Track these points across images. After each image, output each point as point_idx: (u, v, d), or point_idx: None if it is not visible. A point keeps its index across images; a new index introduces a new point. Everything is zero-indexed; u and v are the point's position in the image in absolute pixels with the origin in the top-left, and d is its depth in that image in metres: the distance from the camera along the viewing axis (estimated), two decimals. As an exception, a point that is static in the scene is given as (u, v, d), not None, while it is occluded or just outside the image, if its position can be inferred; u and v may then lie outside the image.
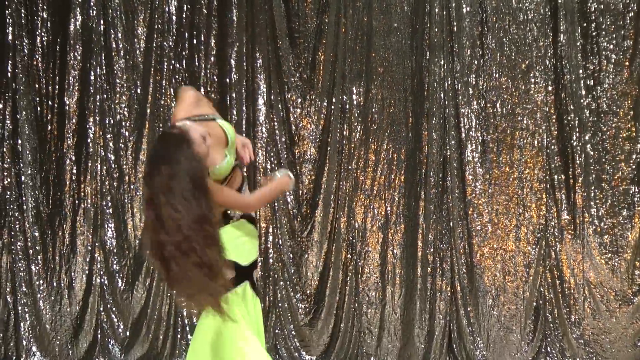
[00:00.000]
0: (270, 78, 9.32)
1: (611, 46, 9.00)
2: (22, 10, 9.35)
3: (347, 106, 9.25)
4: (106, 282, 9.20)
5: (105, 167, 9.27)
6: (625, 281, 8.94)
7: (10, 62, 9.26)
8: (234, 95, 9.28)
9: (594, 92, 9.03)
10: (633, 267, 8.93)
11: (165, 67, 9.33)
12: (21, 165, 9.23)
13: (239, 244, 5.31)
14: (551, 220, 9.06)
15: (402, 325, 9.04)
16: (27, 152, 9.23)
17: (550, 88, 9.07)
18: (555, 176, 9.04)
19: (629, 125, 9.00)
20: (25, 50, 9.33)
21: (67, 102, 9.28)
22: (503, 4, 9.14)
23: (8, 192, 9.18)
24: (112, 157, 9.28)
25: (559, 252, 9.02)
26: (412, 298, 9.03)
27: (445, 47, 9.16)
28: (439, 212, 9.10)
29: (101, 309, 9.20)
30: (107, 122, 9.29)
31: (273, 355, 9.04)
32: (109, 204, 9.25)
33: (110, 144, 9.30)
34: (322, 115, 9.28)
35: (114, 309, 9.20)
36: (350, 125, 9.24)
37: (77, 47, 9.31)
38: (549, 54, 9.05)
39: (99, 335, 9.18)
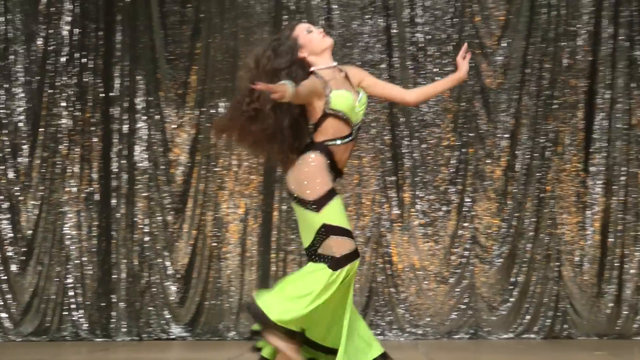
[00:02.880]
0: (149, 94, 10.56)
1: (436, 69, 10.36)
2: None
3: (215, 118, 10.34)
4: (1, 267, 10.40)
5: (3, 168, 10.51)
6: (443, 265, 10.22)
7: None
8: (117, 108, 10.54)
9: (421, 108, 10.29)
10: (449, 253, 10.22)
11: (58, 82, 10.52)
12: None
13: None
14: (383, 214, 10.28)
15: (257, 302, 10.27)
16: None
17: (386, 103, 10.28)
18: (387, 177, 10.30)
19: (449, 136, 10.32)
20: None
21: (-28, 111, 10.54)
22: (348, 32, 10.42)
23: None
24: (10, 159, 10.49)
25: (390, 241, 10.24)
26: (267, 280, 10.15)
27: (300, 69, 10.51)
28: (291, 207, 10.33)
29: (-3, 290, 10.42)
30: (6, 128, 10.53)
31: (146, 328, 10.30)
32: (5, 200, 10.51)
33: (8, 148, 10.50)
34: (194, 126, 10.53)
35: (7, 290, 10.38)
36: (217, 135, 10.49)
37: (-19, 64, 10.55)
38: (385, 75, 10.28)
39: (-5, 313, 10.37)
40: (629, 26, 10.40)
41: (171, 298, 10.38)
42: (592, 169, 10.36)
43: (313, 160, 5.11)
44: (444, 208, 10.38)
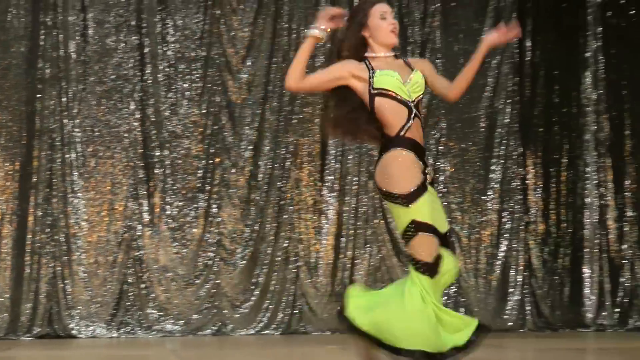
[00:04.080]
0: None
1: (186, 85, 11.03)
2: None
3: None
4: None
5: None
6: (191, 267, 10.88)
7: None
8: None
9: (171, 120, 10.98)
10: (197, 256, 10.87)
11: None
12: None
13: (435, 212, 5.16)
14: (135, 220, 10.83)
15: (11, 301, 10.45)
16: None
17: (138, 115, 10.87)
18: (139, 185, 10.86)
19: (199, 147, 11.00)
20: None
21: None
22: (103, 48, 10.93)
23: None
24: None
25: (141, 245, 10.78)
26: (20, 281, 10.50)
27: (56, 82, 10.81)
28: (46, 211, 10.68)
29: None
30: None
31: None
32: None
33: None
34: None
35: None
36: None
37: None
38: (138, 88, 10.90)
39: None
40: (361, 50, 11.41)
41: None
42: (327, 178, 11.29)
43: (399, 157, 5.12)
44: (192, 214, 11.02)
